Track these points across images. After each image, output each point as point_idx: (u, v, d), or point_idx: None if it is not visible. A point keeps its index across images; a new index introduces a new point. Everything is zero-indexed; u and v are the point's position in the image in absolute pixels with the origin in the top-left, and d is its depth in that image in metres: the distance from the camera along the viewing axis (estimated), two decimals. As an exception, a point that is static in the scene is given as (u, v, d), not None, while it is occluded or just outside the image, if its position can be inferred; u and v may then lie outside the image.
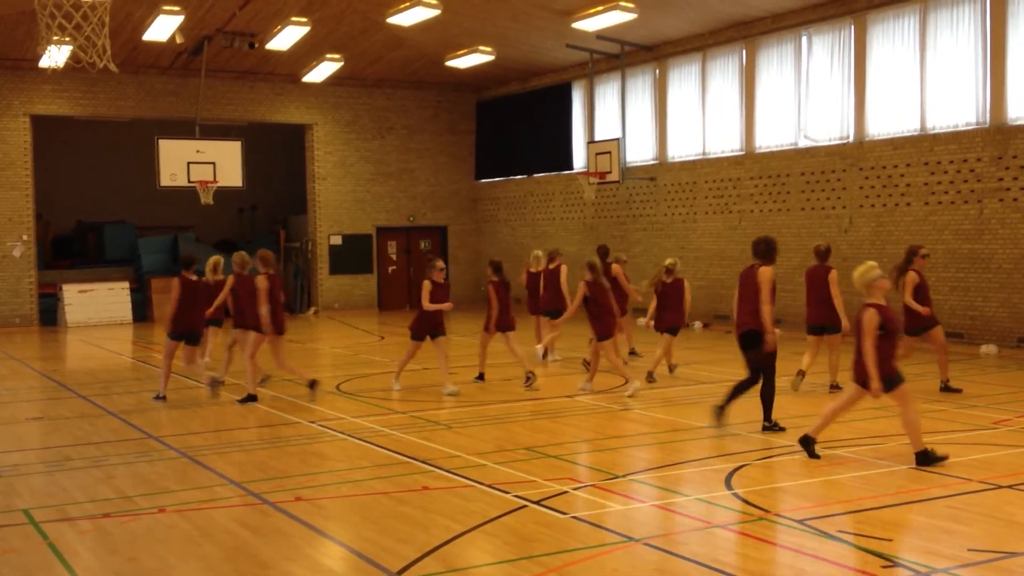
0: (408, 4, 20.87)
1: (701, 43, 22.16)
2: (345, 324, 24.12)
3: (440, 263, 13.42)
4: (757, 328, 10.21)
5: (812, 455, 9.03)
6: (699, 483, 8.41)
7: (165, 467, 9.33)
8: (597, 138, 24.77)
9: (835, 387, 12.73)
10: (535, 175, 27.59)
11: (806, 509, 7.49)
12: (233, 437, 10.67)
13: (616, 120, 24.46)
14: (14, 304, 24.46)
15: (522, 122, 27.64)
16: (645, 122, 23.97)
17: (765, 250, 10.40)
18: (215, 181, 24.18)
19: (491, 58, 24.90)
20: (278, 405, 12.55)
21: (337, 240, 27.80)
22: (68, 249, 29.41)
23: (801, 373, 12.67)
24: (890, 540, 6.73)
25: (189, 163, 24.07)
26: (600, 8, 20.29)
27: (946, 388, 12.55)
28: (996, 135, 16.83)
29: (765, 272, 10.28)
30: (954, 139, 17.40)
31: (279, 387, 14.06)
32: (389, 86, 28.24)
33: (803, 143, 20.12)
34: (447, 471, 8.82)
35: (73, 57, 13.83)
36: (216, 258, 14.85)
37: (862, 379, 8.67)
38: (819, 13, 19.47)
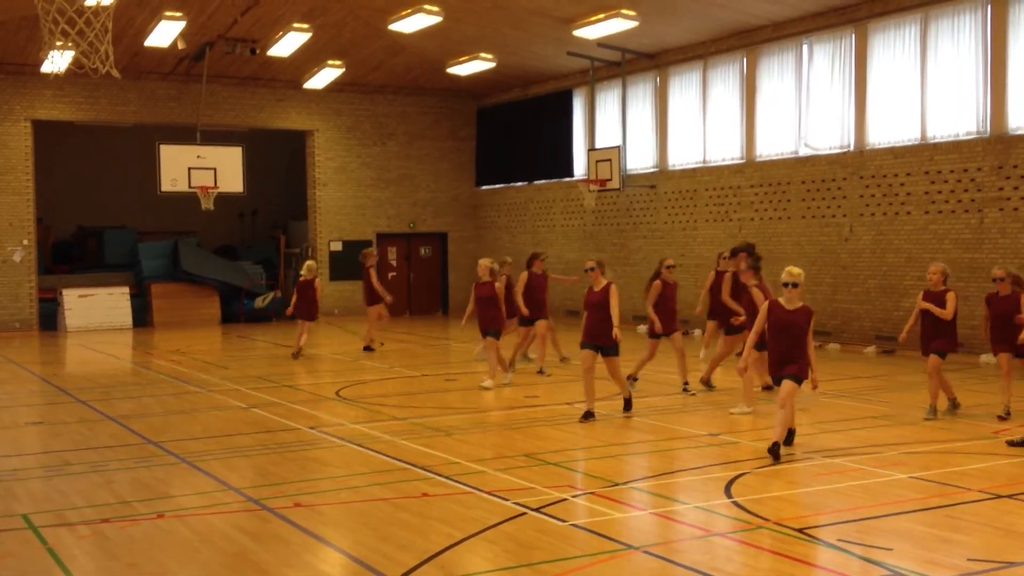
0: (409, 11, 20.89)
1: (702, 51, 22.20)
2: (345, 330, 24.10)
3: (487, 261, 14.75)
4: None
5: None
6: (699, 491, 8.40)
7: (164, 472, 9.33)
8: (598, 145, 24.78)
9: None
10: (535, 182, 27.59)
11: (806, 518, 7.49)
12: (232, 443, 10.67)
13: (617, 127, 24.48)
14: (14, 309, 24.45)
15: (523, 129, 27.65)
16: (646, 130, 23.99)
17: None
18: (216, 187, 24.19)
19: (492, 65, 24.92)
20: (277, 411, 12.54)
21: (337, 246, 27.80)
22: (68, 254, 29.37)
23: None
24: (890, 549, 6.72)
25: (190, 168, 24.09)
26: (601, 16, 20.31)
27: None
28: (997, 144, 16.84)
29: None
30: (955, 148, 17.42)
31: (278, 392, 14.05)
32: (390, 92, 28.27)
33: (804, 151, 20.13)
34: (446, 478, 8.82)
35: (75, 62, 13.86)
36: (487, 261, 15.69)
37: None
38: (820, 22, 19.50)
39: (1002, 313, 11.32)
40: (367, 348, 19.18)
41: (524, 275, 15.81)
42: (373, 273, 19.04)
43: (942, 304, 11.39)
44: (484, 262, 14.59)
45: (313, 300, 18.42)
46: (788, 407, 9.48)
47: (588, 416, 11.49)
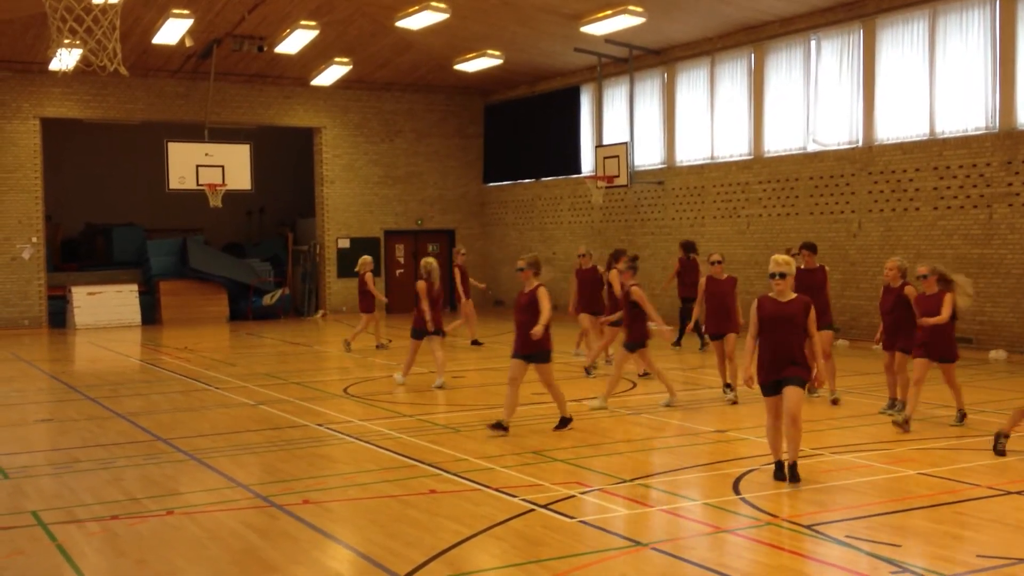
0: (417, 8, 20.89)
1: (710, 47, 22.15)
2: (352, 327, 24.12)
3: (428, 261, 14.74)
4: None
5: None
6: (707, 488, 8.39)
7: (173, 469, 9.35)
8: (605, 142, 24.76)
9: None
10: (543, 179, 27.58)
11: (814, 514, 7.47)
12: (241, 440, 10.69)
13: (624, 124, 24.45)
14: (23, 306, 24.52)
15: (530, 126, 27.64)
16: (653, 126, 23.96)
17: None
18: (224, 184, 24.22)
19: (499, 62, 24.91)
20: (285, 408, 12.56)
21: (345, 243, 27.83)
22: (77, 251, 29.49)
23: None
24: (899, 546, 6.71)
25: (198, 166, 24.12)
26: (608, 12, 20.29)
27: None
28: (1005, 139, 16.78)
29: None
30: (963, 143, 17.36)
31: (286, 389, 14.07)
32: (397, 89, 28.28)
33: (812, 147, 20.09)
34: (454, 474, 8.82)
35: (83, 60, 13.89)
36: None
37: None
38: (828, 17, 19.44)
39: (926, 313, 10.43)
40: (475, 342, 19.23)
41: (615, 273, 14.32)
42: (459, 272, 19.20)
43: (903, 300, 10.98)
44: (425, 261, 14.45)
45: (363, 292, 18.84)
46: (798, 422, 8.34)
47: (499, 427, 10.51)
